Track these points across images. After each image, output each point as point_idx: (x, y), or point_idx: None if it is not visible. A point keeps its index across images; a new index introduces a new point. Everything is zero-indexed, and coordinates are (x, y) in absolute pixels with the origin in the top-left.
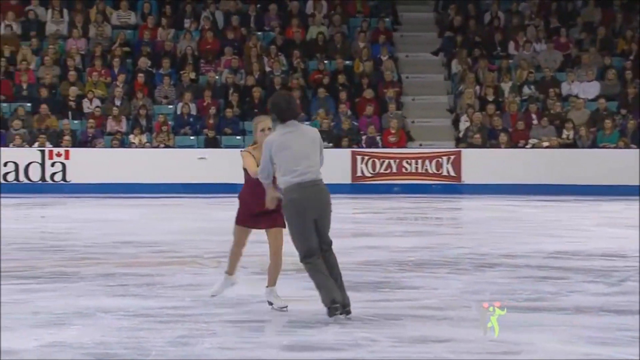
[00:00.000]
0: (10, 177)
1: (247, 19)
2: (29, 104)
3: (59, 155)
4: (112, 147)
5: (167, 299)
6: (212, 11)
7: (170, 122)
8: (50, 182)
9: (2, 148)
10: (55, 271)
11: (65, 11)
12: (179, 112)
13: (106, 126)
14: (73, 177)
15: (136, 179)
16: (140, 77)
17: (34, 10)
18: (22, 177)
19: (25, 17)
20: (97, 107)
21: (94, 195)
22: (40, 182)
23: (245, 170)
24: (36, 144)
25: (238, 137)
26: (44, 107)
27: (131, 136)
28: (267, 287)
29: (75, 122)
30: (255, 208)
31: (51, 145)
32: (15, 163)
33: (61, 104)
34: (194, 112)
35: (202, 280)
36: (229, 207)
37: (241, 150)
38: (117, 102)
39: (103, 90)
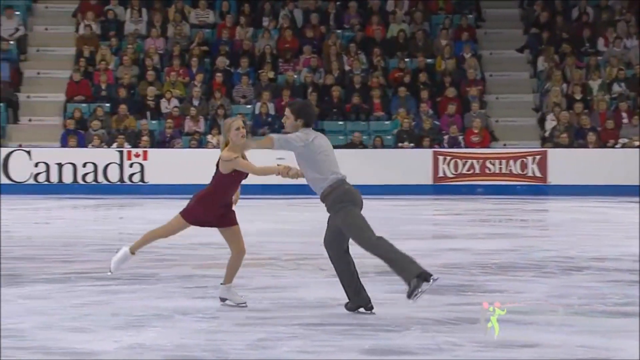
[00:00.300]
0: (89, 178)
1: (326, 16)
2: (107, 104)
3: (137, 155)
4: (190, 147)
5: (248, 301)
6: (291, 9)
7: (248, 122)
8: (129, 183)
9: (81, 149)
10: (134, 273)
11: (144, 10)
12: (257, 112)
13: (184, 126)
14: (151, 178)
15: None
16: (219, 77)
17: (113, 10)
18: (100, 178)
19: (105, 17)
20: (175, 107)
21: (172, 196)
22: (118, 183)
23: (217, 174)
24: (115, 145)
25: None
26: (122, 108)
27: (209, 136)
28: (223, 284)
29: (154, 122)
30: (218, 210)
31: (129, 146)
32: (94, 164)
33: (139, 104)
34: (272, 111)
35: (281, 282)
36: (308, 208)
37: (225, 157)
38: (195, 102)
39: (181, 90)
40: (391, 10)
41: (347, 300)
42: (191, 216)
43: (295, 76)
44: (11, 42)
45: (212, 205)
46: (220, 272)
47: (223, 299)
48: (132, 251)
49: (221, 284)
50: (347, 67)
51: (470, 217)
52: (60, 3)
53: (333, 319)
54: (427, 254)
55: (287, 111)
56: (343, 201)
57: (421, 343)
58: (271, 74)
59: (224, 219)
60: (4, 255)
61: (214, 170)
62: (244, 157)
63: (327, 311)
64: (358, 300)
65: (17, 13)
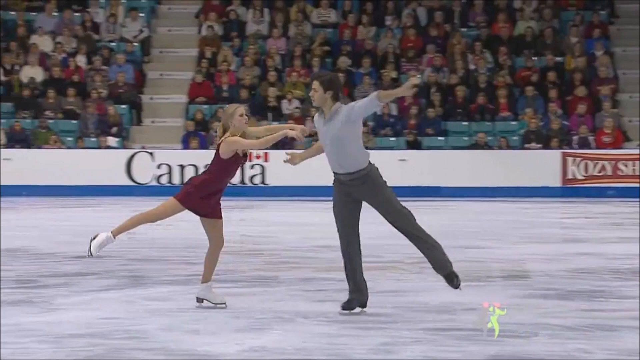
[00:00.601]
0: None
1: (451, 15)
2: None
3: (258, 157)
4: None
5: (368, 305)
6: (415, 8)
7: (370, 123)
8: (250, 184)
9: (202, 150)
10: (255, 275)
11: (265, 11)
12: (379, 113)
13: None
14: (272, 180)
15: None
16: (340, 77)
17: (235, 11)
18: None
19: (227, 18)
20: (296, 107)
21: (293, 198)
22: (239, 184)
23: (217, 160)
24: None
25: (440, 138)
26: None
27: None
28: (203, 283)
29: (275, 123)
30: (213, 198)
31: None
32: None
33: (260, 105)
34: (394, 112)
35: (404, 286)
36: (430, 210)
37: (226, 139)
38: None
39: (302, 90)
40: (519, 7)
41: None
42: (190, 202)
43: (419, 76)
44: (135, 44)
45: (209, 193)
46: (341, 276)
47: (200, 300)
48: (115, 235)
49: (201, 282)
50: (472, 66)
51: (601, 221)
52: (184, 4)
53: (458, 323)
54: (555, 258)
55: (316, 84)
56: (382, 177)
57: (550, 350)
58: (393, 74)
59: (215, 211)
60: (128, 256)
61: (213, 156)
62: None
63: (452, 316)
64: (359, 296)
65: (142, 15)
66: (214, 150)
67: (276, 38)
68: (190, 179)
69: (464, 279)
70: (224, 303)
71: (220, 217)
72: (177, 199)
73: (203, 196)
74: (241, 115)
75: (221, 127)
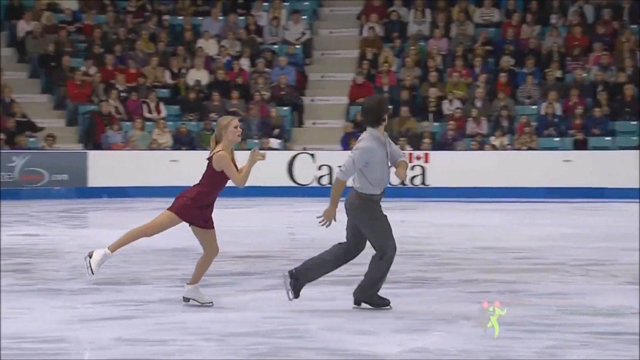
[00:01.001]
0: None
1: (620, 11)
2: (389, 107)
3: (418, 158)
4: (470, 149)
5: (532, 307)
6: (581, 5)
7: (533, 123)
8: (410, 185)
9: None
10: (416, 276)
11: (427, 11)
12: (542, 113)
13: (466, 128)
14: (433, 181)
15: (497, 183)
16: (503, 77)
17: (396, 11)
18: None
19: (388, 19)
20: (458, 108)
21: (454, 199)
22: (399, 185)
23: (211, 172)
24: None
25: (607, 139)
26: (404, 110)
27: (492, 138)
28: (190, 284)
29: (435, 124)
30: (208, 210)
31: (411, 148)
32: None
33: (421, 105)
34: (558, 112)
35: (569, 288)
36: (596, 212)
37: (217, 154)
38: (478, 103)
39: (463, 90)
40: None
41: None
42: (187, 214)
43: (585, 74)
44: (297, 46)
45: (204, 204)
46: (504, 277)
47: (187, 299)
48: (112, 251)
49: (187, 283)
50: None
51: None
52: (345, 6)
53: (626, 327)
54: None
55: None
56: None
57: None
58: (558, 73)
59: (209, 222)
60: (291, 257)
61: (205, 169)
62: (234, 160)
63: (620, 319)
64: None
65: (304, 17)
66: (207, 163)
67: (438, 38)
68: (183, 191)
69: (630, 282)
70: (211, 302)
71: (213, 228)
72: (174, 212)
73: (199, 207)
74: (235, 127)
75: (213, 140)
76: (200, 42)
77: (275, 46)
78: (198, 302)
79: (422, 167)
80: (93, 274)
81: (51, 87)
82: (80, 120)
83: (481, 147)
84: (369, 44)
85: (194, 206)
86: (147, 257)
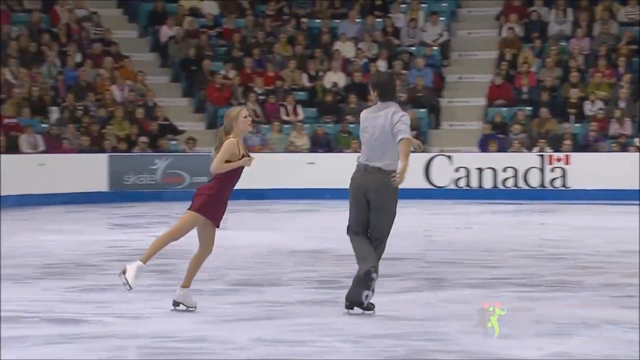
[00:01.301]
0: (509, 183)
1: None
2: (529, 108)
3: (558, 160)
4: (612, 151)
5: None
6: None
7: None
8: (550, 188)
9: (501, 153)
10: (556, 280)
11: (569, 10)
12: None
13: (609, 129)
14: (573, 183)
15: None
16: None
17: (537, 11)
18: (520, 183)
19: (528, 19)
20: (600, 109)
21: (596, 201)
22: (539, 187)
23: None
24: (536, 149)
25: None
26: (544, 111)
27: (636, 139)
28: (184, 287)
29: (577, 125)
30: (224, 206)
31: (551, 150)
32: (514, 168)
33: (561, 106)
34: None
35: None
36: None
37: (228, 140)
38: (622, 104)
39: (606, 91)
40: None
41: None
42: (208, 210)
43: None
44: (435, 48)
45: (221, 200)
46: None
47: (177, 304)
48: (145, 262)
49: (181, 286)
50: None
51: None
52: (484, 6)
53: None
54: None
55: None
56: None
57: None
58: None
59: (221, 219)
60: (427, 259)
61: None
62: (246, 151)
63: None
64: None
65: (442, 19)
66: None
67: (580, 38)
68: (198, 189)
69: None
70: (195, 307)
71: (219, 227)
72: (195, 210)
73: (216, 203)
74: (245, 117)
75: (222, 132)
76: (338, 45)
77: (413, 48)
78: (186, 305)
79: (563, 169)
80: (132, 288)
81: (192, 90)
82: (220, 123)
83: (624, 149)
84: (508, 45)
85: (212, 202)
86: (284, 259)
